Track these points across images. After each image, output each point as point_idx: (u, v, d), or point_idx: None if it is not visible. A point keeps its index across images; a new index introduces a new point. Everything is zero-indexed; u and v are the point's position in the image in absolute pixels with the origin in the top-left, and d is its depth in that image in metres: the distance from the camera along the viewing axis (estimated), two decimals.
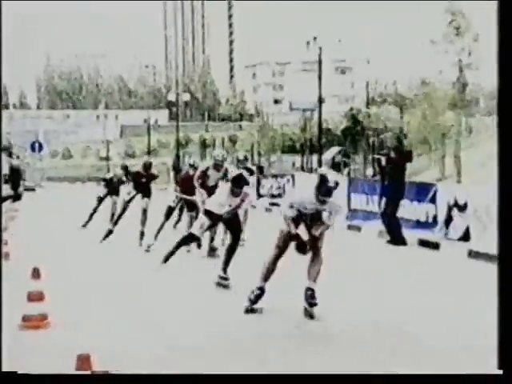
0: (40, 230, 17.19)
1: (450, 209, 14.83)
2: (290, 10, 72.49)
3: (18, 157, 34.45)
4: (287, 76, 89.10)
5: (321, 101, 37.50)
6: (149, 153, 57.20)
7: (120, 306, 8.99)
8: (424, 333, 7.98)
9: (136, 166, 19.57)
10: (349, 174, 31.35)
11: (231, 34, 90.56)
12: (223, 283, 10.50)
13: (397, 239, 14.99)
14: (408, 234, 15.39)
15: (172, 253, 10.74)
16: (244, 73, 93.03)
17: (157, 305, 9.23)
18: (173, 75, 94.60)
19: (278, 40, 79.94)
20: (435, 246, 14.58)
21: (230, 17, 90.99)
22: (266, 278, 9.16)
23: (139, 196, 16.11)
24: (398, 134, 31.60)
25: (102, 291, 9.88)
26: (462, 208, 14.46)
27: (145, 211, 15.87)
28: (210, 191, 12.98)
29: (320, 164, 35.42)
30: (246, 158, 16.04)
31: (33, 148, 47.00)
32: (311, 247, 8.56)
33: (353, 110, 51.43)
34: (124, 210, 16.19)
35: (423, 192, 15.87)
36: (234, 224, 11.06)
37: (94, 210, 18.55)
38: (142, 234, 15.58)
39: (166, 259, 10.71)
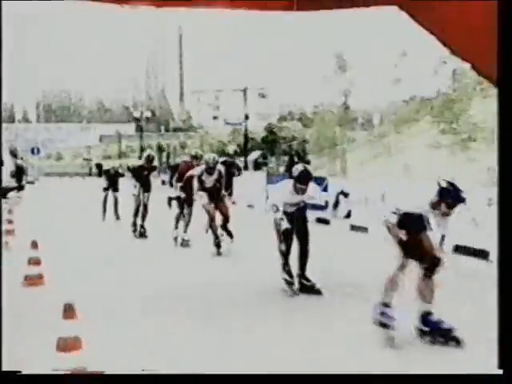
0: (38, 212, 16.85)
1: (337, 196, 15.05)
2: (226, 53, 72.00)
3: (21, 158, 33.64)
4: (222, 99, 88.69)
5: (246, 117, 37.57)
6: (120, 156, 56.61)
7: (102, 270, 8.94)
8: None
9: (109, 164, 18.68)
10: (267, 170, 31.46)
11: (181, 68, 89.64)
12: (315, 289, 7.55)
13: None
14: (308, 213, 15.58)
15: (286, 259, 7.67)
16: (191, 97, 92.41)
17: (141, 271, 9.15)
18: (138, 98, 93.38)
19: (216, 73, 79.40)
20: (327, 222, 14.80)
21: (180, 56, 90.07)
22: (388, 292, 5.87)
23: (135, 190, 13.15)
24: (303, 141, 31.93)
25: (87, 258, 9.77)
26: (346, 195, 14.69)
27: (145, 206, 12.94)
28: (209, 194, 10.63)
29: (246, 163, 35.40)
30: (236, 153, 12.96)
31: (32, 151, 46.34)
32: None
33: (270, 124, 51.74)
34: (139, 204, 12.93)
35: (319, 183, 16.05)
36: (300, 225, 7.87)
37: (105, 200, 16.07)
38: (142, 227, 12.73)
39: (284, 268, 7.68)
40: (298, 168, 7.72)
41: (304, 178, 7.47)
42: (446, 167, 16.36)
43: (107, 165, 19.16)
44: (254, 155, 42.45)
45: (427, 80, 18.93)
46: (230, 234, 10.89)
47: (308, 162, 16.65)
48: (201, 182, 10.65)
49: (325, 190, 15.56)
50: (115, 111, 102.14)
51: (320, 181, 16.66)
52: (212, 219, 10.75)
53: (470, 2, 9.54)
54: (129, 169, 14.28)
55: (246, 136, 37.85)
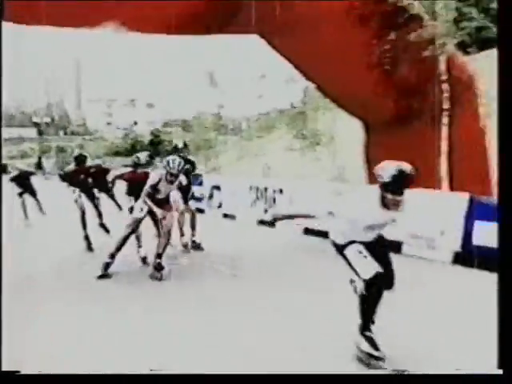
0: None
1: (212, 189, 15.13)
2: (118, 69, 70.03)
3: None
4: (115, 108, 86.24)
5: (135, 123, 36.89)
6: (22, 156, 53.51)
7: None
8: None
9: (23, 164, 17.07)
10: (153, 168, 30.99)
11: (79, 80, 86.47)
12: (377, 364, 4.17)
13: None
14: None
15: (368, 318, 4.29)
16: (87, 105, 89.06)
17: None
18: (40, 106, 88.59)
19: (109, 86, 77.20)
20: (202, 211, 14.85)
21: (78, 70, 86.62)
22: None
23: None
24: (184, 144, 31.83)
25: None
26: (218, 189, 14.79)
27: (100, 213, 9.81)
28: (160, 206, 7.42)
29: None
30: (185, 145, 9.28)
31: None
32: None
33: (155, 129, 51.31)
34: (84, 213, 9.53)
35: (196, 179, 16.06)
36: (381, 253, 4.35)
37: (23, 204, 12.58)
38: (87, 237, 9.53)
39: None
40: (388, 170, 4.21)
41: (402, 184, 4.13)
42: (299, 166, 16.90)
43: (12, 167, 15.90)
44: (142, 155, 41.90)
45: (283, 95, 19.50)
46: (159, 266, 7.39)
47: (189, 161, 16.49)
48: (155, 191, 7.48)
49: (200, 184, 15.62)
50: (18, 117, 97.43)
51: (197, 177, 16.74)
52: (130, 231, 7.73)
53: (316, 35, 9.95)
54: (61, 177, 10.15)
55: (134, 139, 37.22)
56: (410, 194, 9.35)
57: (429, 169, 10.23)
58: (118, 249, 7.54)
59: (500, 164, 3.63)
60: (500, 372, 3.47)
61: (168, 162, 7.36)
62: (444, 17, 9.54)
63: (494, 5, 10.24)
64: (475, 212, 8.83)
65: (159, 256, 7.52)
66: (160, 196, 7.55)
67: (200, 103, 29.85)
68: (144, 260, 8.31)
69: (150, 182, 7.46)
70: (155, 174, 7.60)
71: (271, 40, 11.37)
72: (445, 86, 10.13)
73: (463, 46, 10.19)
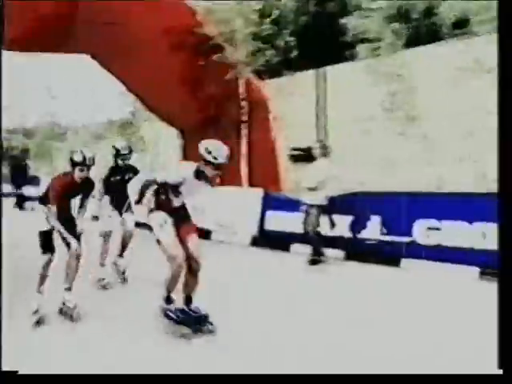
0: None
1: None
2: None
3: None
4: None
5: None
6: None
7: None
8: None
9: None
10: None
11: None
12: None
13: None
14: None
15: None
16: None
17: None
18: None
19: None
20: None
21: None
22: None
23: None
24: (24, 150, 29.01)
25: None
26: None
27: None
28: (179, 222, 4.06)
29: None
30: (130, 151, 5.99)
31: None
32: None
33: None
34: None
35: (33, 181, 14.84)
36: None
37: None
38: None
39: None
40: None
41: None
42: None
43: None
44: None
45: (115, 107, 18.83)
46: (199, 312, 4.15)
47: (26, 165, 15.11)
48: (175, 192, 4.13)
49: (38, 185, 14.48)
50: None
51: (35, 179, 15.49)
52: (177, 272, 4.00)
53: (139, 56, 9.63)
54: None
55: None
56: (218, 190, 9.53)
57: (234, 169, 10.56)
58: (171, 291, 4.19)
59: (500, 165, 3.15)
60: (500, 372, 2.97)
61: (207, 149, 4.06)
62: (242, 49, 9.89)
63: (282, 42, 10.89)
64: (267, 203, 9.33)
65: (190, 300, 4.18)
66: (175, 203, 4.12)
67: (40, 112, 27.48)
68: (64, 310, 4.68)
69: (168, 179, 4.05)
70: (185, 168, 4.15)
71: (101, 60, 10.85)
72: (243, 103, 10.55)
73: (258, 73, 10.67)
